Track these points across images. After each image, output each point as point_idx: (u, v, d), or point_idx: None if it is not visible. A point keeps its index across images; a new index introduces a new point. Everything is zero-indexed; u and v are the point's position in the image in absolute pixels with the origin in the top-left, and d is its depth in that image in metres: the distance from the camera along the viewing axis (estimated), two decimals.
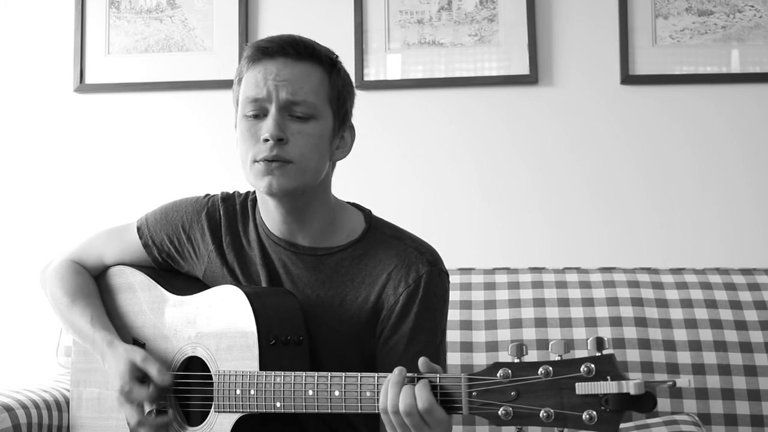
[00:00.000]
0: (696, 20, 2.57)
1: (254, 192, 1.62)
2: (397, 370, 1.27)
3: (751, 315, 2.07)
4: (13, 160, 2.82)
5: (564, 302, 2.13)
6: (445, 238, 2.53)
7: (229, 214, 1.63)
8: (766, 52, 2.55)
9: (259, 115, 1.47)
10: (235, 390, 1.41)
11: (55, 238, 2.71)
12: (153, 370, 1.48)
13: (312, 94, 1.47)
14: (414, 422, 1.22)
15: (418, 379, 1.24)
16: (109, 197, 2.76)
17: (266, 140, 1.44)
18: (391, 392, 1.25)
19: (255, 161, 1.45)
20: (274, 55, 1.47)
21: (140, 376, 1.51)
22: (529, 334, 2.08)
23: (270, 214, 1.56)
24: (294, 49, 1.48)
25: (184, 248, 1.65)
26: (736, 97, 2.57)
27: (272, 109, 1.45)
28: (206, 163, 2.73)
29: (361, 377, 1.31)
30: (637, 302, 2.10)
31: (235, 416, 1.42)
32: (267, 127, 1.44)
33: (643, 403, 1.06)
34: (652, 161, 2.58)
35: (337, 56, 1.54)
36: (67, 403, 1.89)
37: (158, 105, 2.77)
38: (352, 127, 1.59)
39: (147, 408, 1.50)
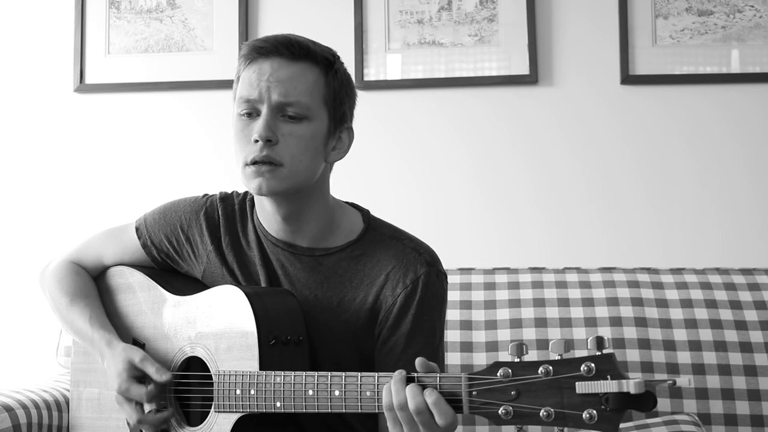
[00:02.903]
0: (696, 20, 2.57)
1: None
2: (401, 372, 1.27)
3: (751, 315, 2.07)
4: (13, 160, 2.82)
5: (564, 302, 2.13)
6: (445, 238, 2.54)
7: (227, 215, 1.62)
8: (766, 52, 2.55)
9: (252, 114, 1.47)
10: (235, 390, 1.41)
11: (54, 239, 2.71)
12: (151, 369, 1.48)
13: (305, 94, 1.46)
14: (424, 420, 1.22)
15: (418, 379, 1.24)
16: (109, 197, 2.76)
17: (256, 141, 1.44)
18: (398, 388, 1.24)
19: (246, 164, 1.45)
20: (268, 55, 1.47)
21: (139, 376, 1.51)
22: (529, 334, 2.08)
23: (267, 217, 1.56)
24: (288, 50, 1.47)
25: (182, 248, 1.65)
26: (736, 97, 2.57)
27: (264, 110, 1.45)
28: (206, 163, 2.73)
29: (361, 377, 1.30)
30: (637, 302, 2.10)
31: (235, 416, 1.42)
32: (257, 127, 1.44)
33: (643, 402, 1.06)
34: (651, 161, 2.59)
35: (336, 56, 1.53)
36: (67, 403, 1.89)
37: (158, 105, 2.78)
38: (350, 129, 1.57)
39: (147, 408, 1.50)
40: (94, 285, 1.72)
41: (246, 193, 1.65)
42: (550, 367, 1.13)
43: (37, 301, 2.03)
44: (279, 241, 1.56)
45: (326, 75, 1.50)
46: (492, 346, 2.08)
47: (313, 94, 1.47)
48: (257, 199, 1.57)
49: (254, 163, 1.44)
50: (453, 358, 2.06)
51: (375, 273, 1.53)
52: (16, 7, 2.85)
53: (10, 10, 2.85)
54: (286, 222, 1.53)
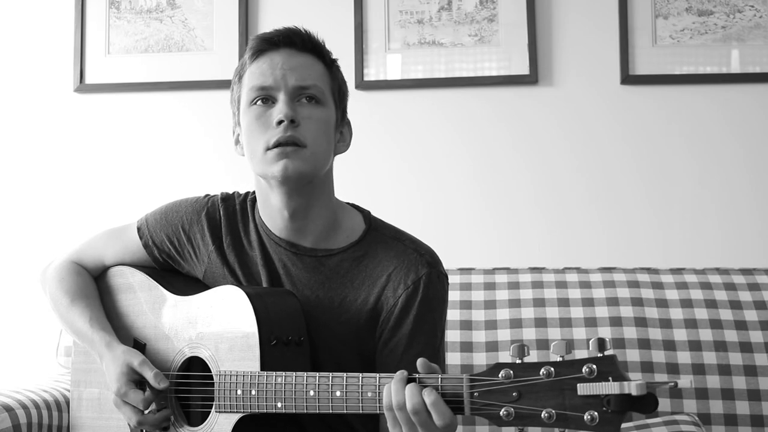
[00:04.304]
0: (696, 20, 2.58)
1: (254, 192, 1.62)
2: (402, 372, 1.27)
3: (751, 315, 2.07)
4: (13, 160, 2.82)
5: (564, 302, 2.13)
6: (445, 238, 2.54)
7: (229, 215, 1.62)
8: (766, 52, 2.55)
9: (268, 101, 1.48)
10: (236, 390, 1.41)
11: (55, 239, 2.71)
12: (149, 374, 1.48)
13: (319, 80, 1.50)
14: (421, 420, 1.22)
15: (419, 380, 1.24)
16: (109, 197, 2.76)
17: (280, 122, 1.44)
18: (397, 388, 1.24)
19: (268, 148, 1.45)
20: (279, 45, 1.50)
21: (137, 379, 1.51)
22: (529, 334, 2.08)
23: (272, 214, 1.55)
24: (300, 39, 1.50)
25: (184, 249, 1.65)
26: (736, 97, 2.57)
27: (281, 95, 1.46)
28: (206, 163, 2.73)
29: (362, 377, 1.30)
30: (637, 302, 2.10)
31: (236, 416, 1.42)
32: (279, 109, 1.45)
33: (645, 404, 1.06)
34: (651, 161, 2.59)
35: (336, 58, 1.58)
36: (67, 403, 1.89)
37: (158, 105, 2.77)
38: (349, 124, 1.60)
39: (145, 411, 1.50)
40: (94, 285, 1.72)
41: (247, 193, 1.65)
42: (552, 369, 1.12)
43: (37, 301, 2.03)
44: (282, 241, 1.56)
45: (330, 69, 1.54)
46: (492, 346, 2.08)
47: (324, 81, 1.51)
48: (261, 196, 1.57)
49: (278, 145, 1.44)
50: (453, 358, 2.06)
51: (376, 274, 1.53)
52: (16, 7, 2.84)
53: (10, 10, 2.85)
54: (292, 219, 1.53)
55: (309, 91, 1.47)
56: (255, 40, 1.52)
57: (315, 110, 1.48)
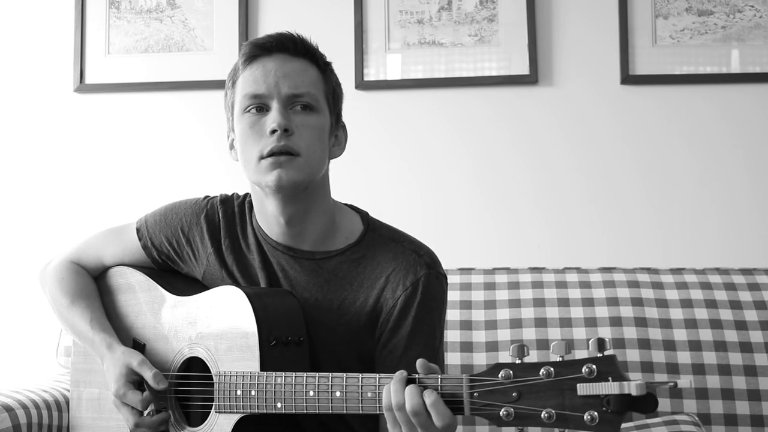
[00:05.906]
0: (696, 20, 2.57)
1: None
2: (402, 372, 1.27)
3: (751, 315, 2.07)
4: (13, 160, 2.82)
5: (564, 302, 2.13)
6: (445, 238, 2.54)
7: (227, 217, 1.62)
8: (766, 52, 2.55)
9: (262, 110, 1.47)
10: (236, 390, 1.41)
11: (55, 238, 2.71)
12: (148, 374, 1.48)
13: (312, 86, 1.49)
14: (421, 421, 1.22)
15: (419, 380, 1.24)
16: (109, 197, 2.76)
17: (273, 131, 1.44)
18: (397, 388, 1.24)
19: (262, 157, 1.45)
20: (272, 51, 1.49)
21: (136, 380, 1.51)
22: (529, 334, 2.08)
23: (269, 220, 1.55)
24: (293, 44, 1.49)
25: (183, 250, 1.64)
26: (736, 97, 2.57)
27: (275, 104, 1.46)
28: (206, 163, 2.73)
29: (362, 378, 1.30)
30: (637, 302, 2.10)
31: (236, 417, 1.41)
32: (273, 118, 1.45)
33: (645, 404, 1.06)
34: (651, 161, 2.59)
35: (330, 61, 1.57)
36: (67, 403, 1.89)
37: (158, 105, 2.77)
38: (344, 127, 1.60)
39: (144, 412, 1.50)
40: (94, 285, 1.72)
41: (245, 195, 1.65)
42: (552, 369, 1.12)
43: (37, 301, 2.02)
44: (279, 245, 1.56)
45: (324, 72, 1.53)
46: (492, 346, 2.08)
47: (317, 87, 1.50)
48: (257, 202, 1.57)
49: (271, 154, 1.44)
50: (453, 358, 2.06)
51: (375, 275, 1.52)
52: (16, 7, 2.84)
53: (10, 10, 2.85)
54: (288, 225, 1.52)
55: (303, 99, 1.47)
56: (248, 45, 1.51)
57: (309, 118, 1.47)
